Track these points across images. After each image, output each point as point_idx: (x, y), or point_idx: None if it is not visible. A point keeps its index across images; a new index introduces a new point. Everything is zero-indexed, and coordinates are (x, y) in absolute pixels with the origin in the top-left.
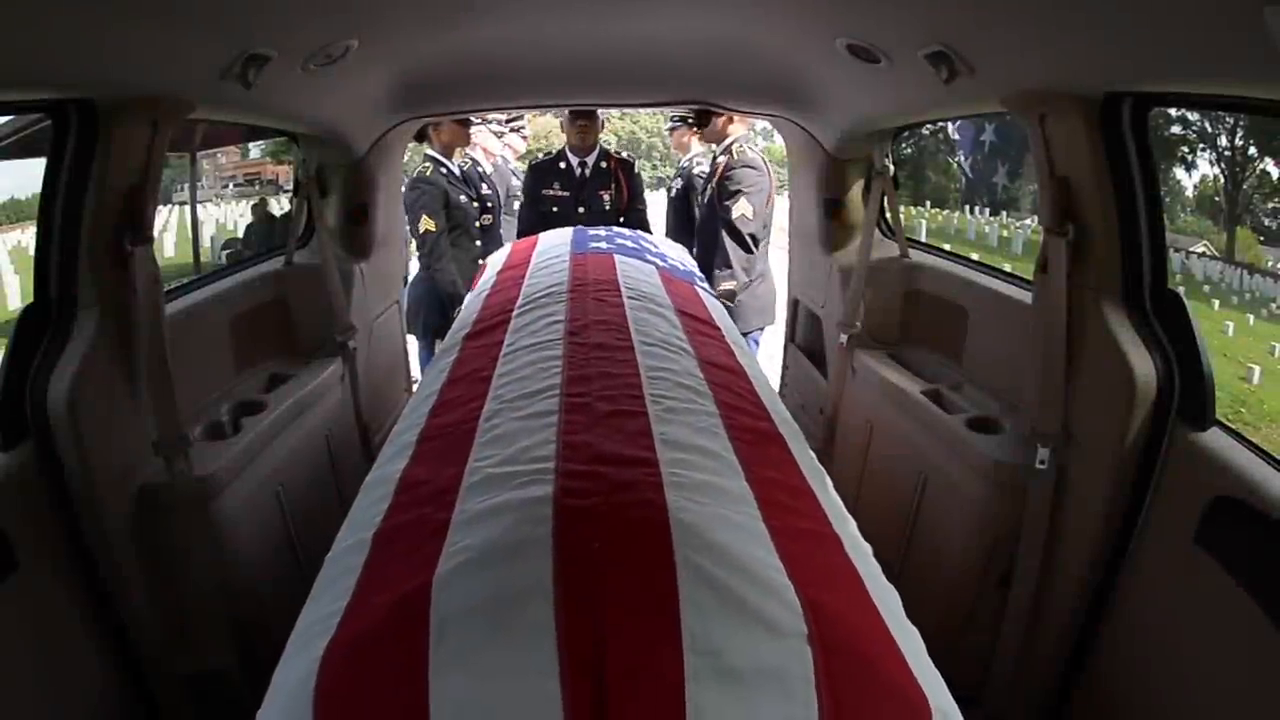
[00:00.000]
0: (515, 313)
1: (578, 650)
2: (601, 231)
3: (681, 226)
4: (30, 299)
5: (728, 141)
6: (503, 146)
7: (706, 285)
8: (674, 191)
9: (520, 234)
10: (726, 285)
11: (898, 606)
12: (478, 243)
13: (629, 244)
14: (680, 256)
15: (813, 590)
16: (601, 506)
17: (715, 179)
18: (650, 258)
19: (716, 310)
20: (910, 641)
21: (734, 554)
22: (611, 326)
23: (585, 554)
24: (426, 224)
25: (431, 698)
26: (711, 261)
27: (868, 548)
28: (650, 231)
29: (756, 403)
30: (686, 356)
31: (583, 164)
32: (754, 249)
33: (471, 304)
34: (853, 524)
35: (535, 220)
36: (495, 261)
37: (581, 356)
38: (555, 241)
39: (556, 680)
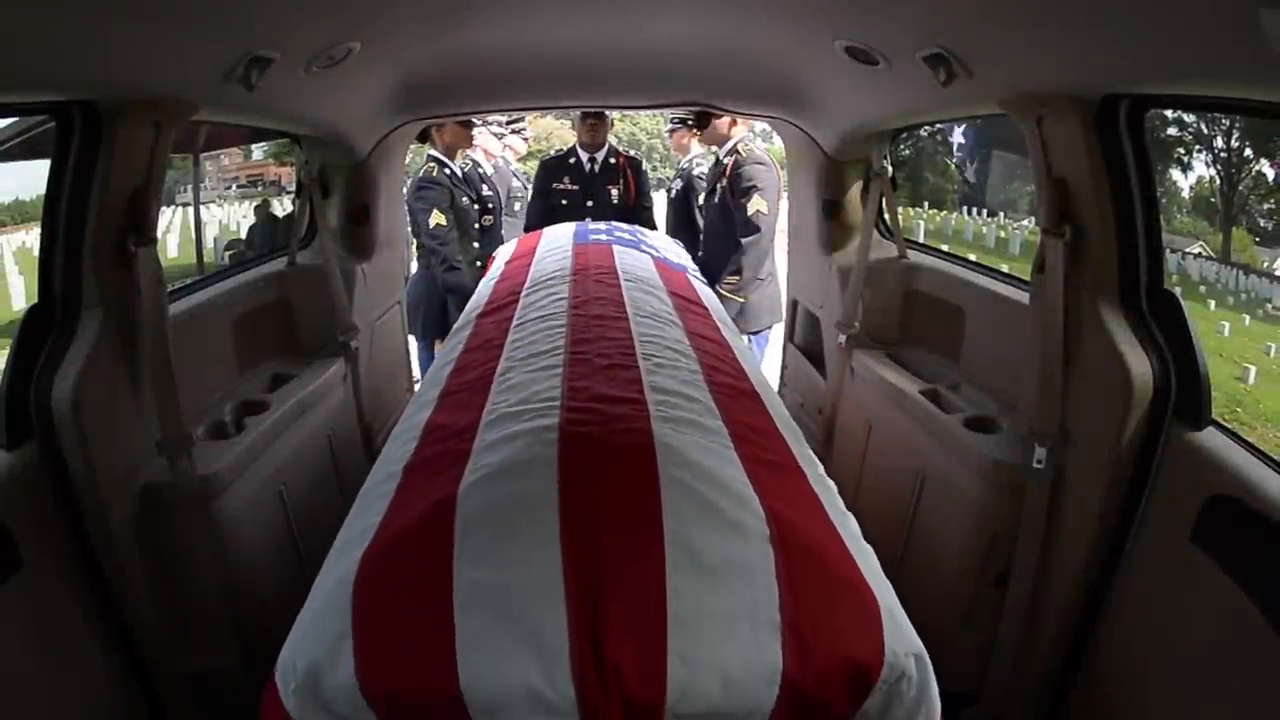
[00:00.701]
0: (524, 293)
1: (577, 546)
2: (601, 226)
3: (681, 226)
4: (35, 299)
5: (733, 142)
6: (503, 148)
7: (699, 274)
8: (674, 192)
9: (529, 226)
10: (732, 279)
11: (855, 528)
12: (476, 244)
13: (626, 236)
14: (674, 249)
15: (776, 504)
16: (598, 433)
17: (725, 178)
18: (645, 249)
19: (705, 294)
20: (864, 555)
21: (709, 471)
22: (609, 302)
23: (584, 470)
24: (438, 219)
25: (455, 584)
26: (719, 259)
27: (832, 484)
28: (656, 228)
29: (736, 367)
30: (675, 328)
31: (592, 160)
32: (767, 246)
33: (483, 289)
34: (820, 466)
35: (545, 212)
36: (504, 253)
37: (582, 325)
38: (559, 234)
39: (559, 570)
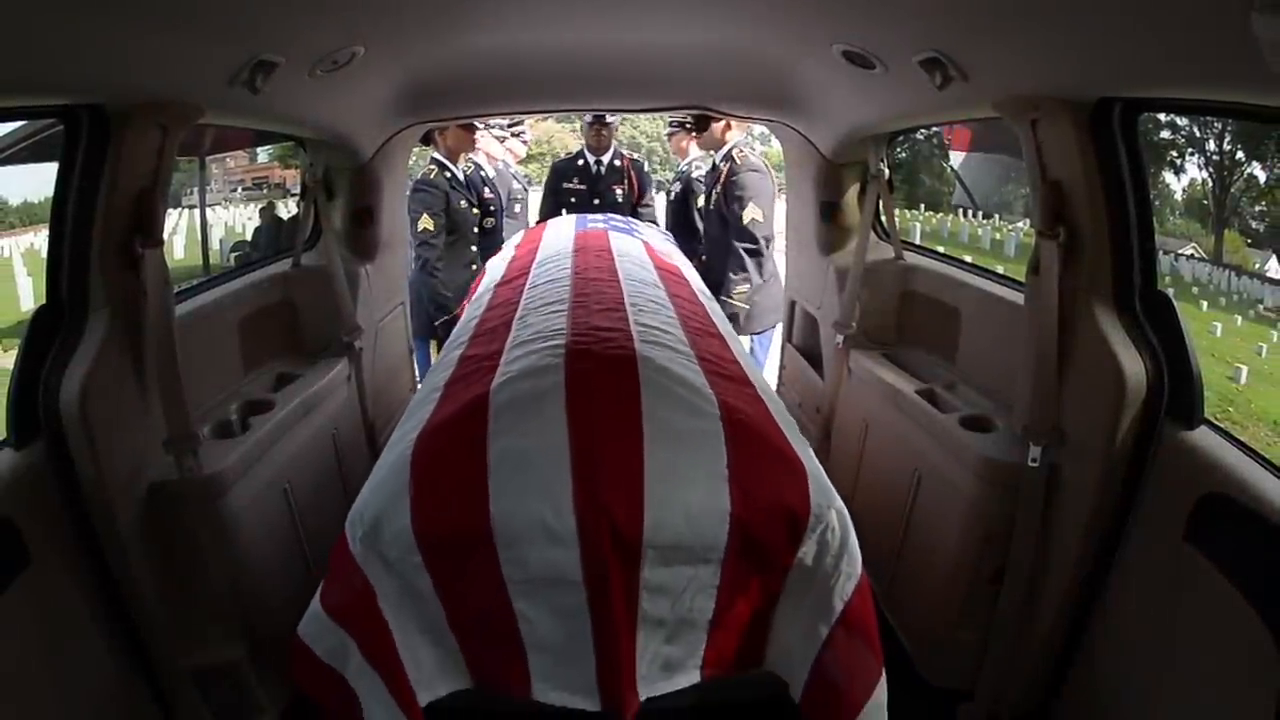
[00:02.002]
0: (534, 267)
1: (579, 424)
2: (599, 216)
3: (680, 227)
4: (42, 300)
5: (727, 147)
6: (504, 151)
7: (682, 257)
8: (673, 195)
9: (540, 220)
10: (741, 288)
11: (794, 423)
12: (474, 248)
13: (620, 225)
14: (661, 236)
15: (725, 397)
16: (595, 349)
17: (719, 184)
18: (636, 234)
19: (688, 270)
20: (795, 435)
21: (676, 374)
22: (605, 270)
23: (583, 372)
24: (425, 223)
25: (489, 452)
26: (721, 266)
27: (780, 402)
28: (656, 224)
29: (706, 318)
30: (658, 289)
31: (599, 162)
32: (765, 251)
33: (495, 267)
34: (772, 390)
35: (555, 210)
36: (513, 240)
37: (583, 285)
38: (562, 222)
39: (565, 439)
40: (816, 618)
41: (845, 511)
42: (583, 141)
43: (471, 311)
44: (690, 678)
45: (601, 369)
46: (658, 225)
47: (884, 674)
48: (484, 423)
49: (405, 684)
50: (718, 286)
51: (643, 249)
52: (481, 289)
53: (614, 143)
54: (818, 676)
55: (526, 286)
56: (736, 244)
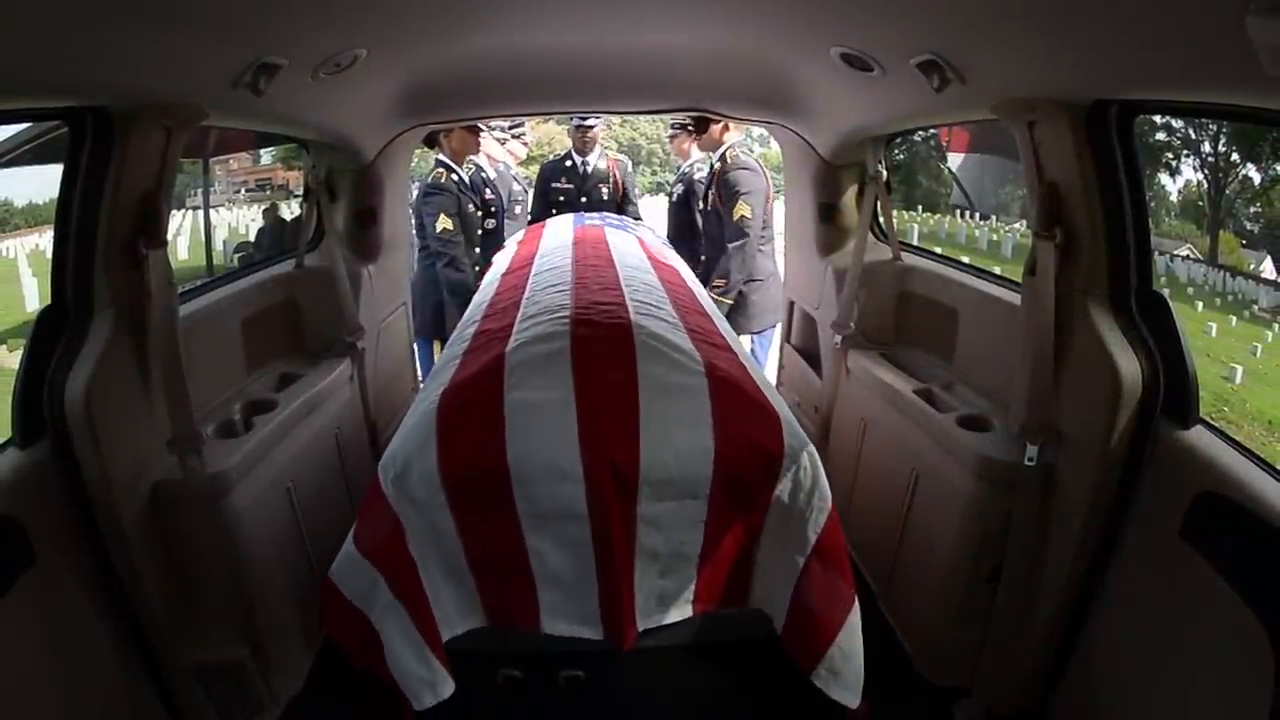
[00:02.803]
0: (537, 258)
1: (583, 380)
2: (596, 215)
3: (682, 229)
4: (48, 301)
5: (723, 149)
6: (505, 152)
7: (672, 250)
8: (675, 196)
9: (533, 222)
10: (727, 284)
11: (770, 383)
12: (478, 249)
13: (616, 222)
14: (653, 233)
15: (709, 358)
16: (595, 319)
17: (714, 184)
18: (631, 231)
19: (677, 261)
20: (772, 393)
21: (666, 339)
22: (603, 259)
23: (586, 337)
24: (444, 224)
25: (505, 402)
26: (720, 265)
27: (761, 369)
28: (641, 220)
29: (693, 299)
30: (651, 275)
31: (585, 163)
32: (755, 243)
33: (501, 261)
34: (750, 356)
35: (545, 209)
36: (515, 237)
37: (583, 270)
38: (561, 220)
39: (572, 392)
40: (793, 550)
41: (815, 453)
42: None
43: (480, 298)
44: (683, 611)
45: (602, 335)
46: (643, 221)
47: (856, 601)
48: (500, 380)
49: (430, 618)
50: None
51: (637, 243)
52: (488, 280)
53: (599, 145)
54: (796, 605)
55: (531, 274)
56: (728, 243)
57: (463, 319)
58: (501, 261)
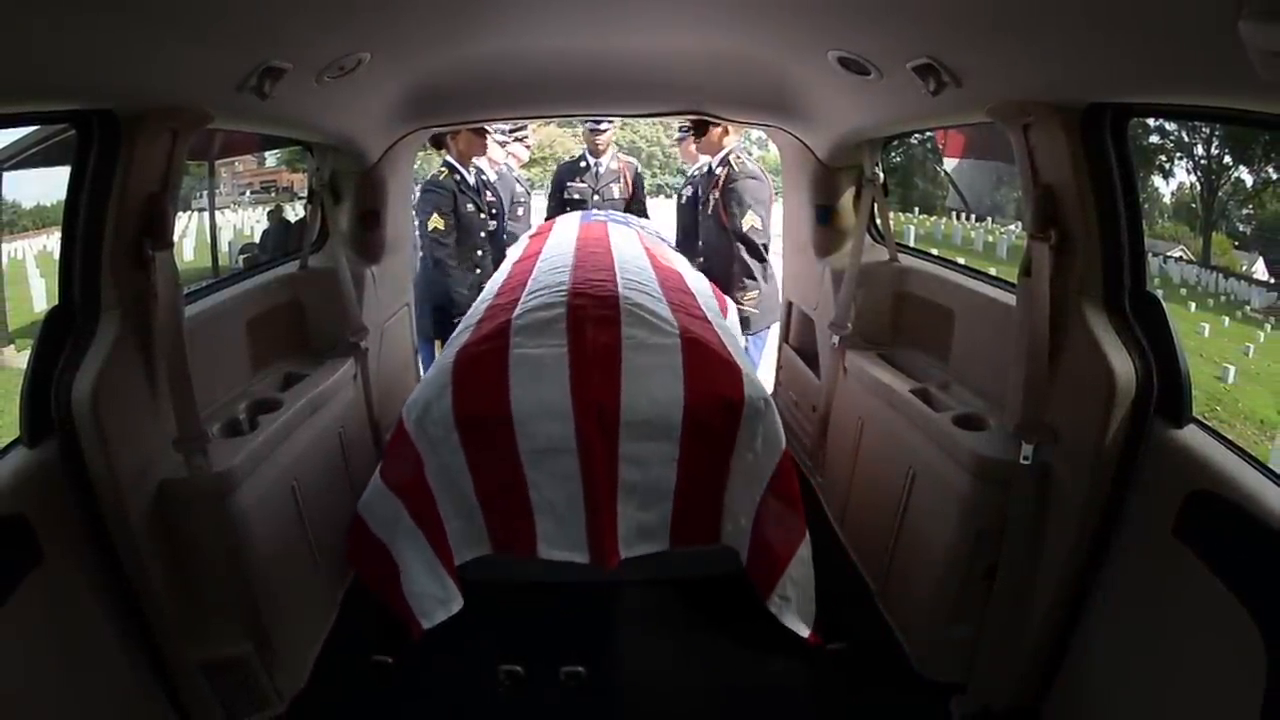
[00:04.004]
0: (544, 249)
1: (575, 339)
2: (601, 213)
3: (689, 232)
4: (55, 301)
5: (724, 153)
6: (507, 155)
7: (670, 243)
8: (683, 199)
9: (548, 217)
10: (751, 294)
11: (740, 346)
12: (479, 251)
13: (619, 219)
14: (652, 229)
15: (684, 324)
16: (589, 290)
17: (717, 190)
18: (631, 226)
19: (670, 251)
20: (739, 354)
21: (647, 307)
22: (602, 247)
23: (580, 305)
24: (434, 223)
25: (510, 357)
26: (719, 270)
27: (731, 333)
28: (647, 217)
29: (680, 280)
30: (643, 260)
31: (598, 164)
32: (765, 257)
33: (513, 253)
34: (726, 326)
35: (560, 207)
36: (528, 234)
37: (583, 258)
38: (569, 217)
39: (565, 349)
40: (753, 487)
41: (771, 402)
42: (584, 145)
43: (493, 282)
44: (661, 543)
45: (593, 304)
46: (649, 218)
47: (807, 535)
48: (507, 340)
49: (445, 543)
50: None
51: (635, 236)
52: (502, 268)
53: (612, 147)
54: (756, 537)
55: (539, 261)
56: (739, 249)
57: (479, 299)
58: (513, 254)
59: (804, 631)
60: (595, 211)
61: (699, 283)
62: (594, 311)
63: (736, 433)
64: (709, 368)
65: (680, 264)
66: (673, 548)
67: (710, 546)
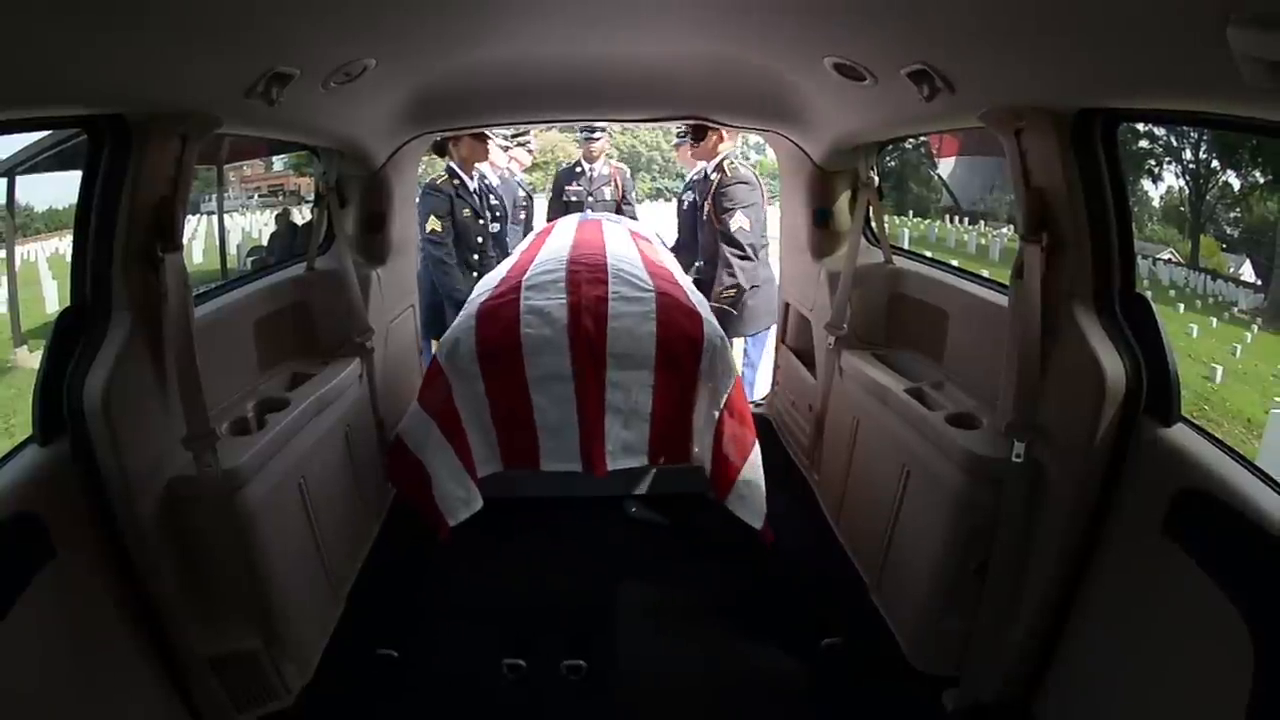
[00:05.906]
0: (548, 239)
1: (573, 293)
2: (597, 213)
3: (690, 235)
4: (67, 303)
5: (719, 158)
6: (509, 160)
7: (661, 239)
8: (684, 205)
9: (549, 218)
10: (729, 292)
11: (705, 303)
12: (475, 255)
13: (612, 218)
14: (641, 226)
15: (659, 284)
16: (583, 260)
17: (710, 194)
18: (624, 224)
19: (655, 240)
20: (703, 306)
21: (629, 272)
22: (595, 235)
23: (576, 269)
24: (432, 225)
25: (521, 307)
26: (717, 272)
27: (700, 296)
28: (636, 218)
29: (659, 257)
30: (630, 244)
31: (592, 169)
32: (754, 257)
33: (521, 245)
34: (696, 291)
35: (560, 209)
36: (535, 231)
37: (579, 245)
38: (570, 217)
39: (565, 300)
40: (712, 407)
41: (726, 339)
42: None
43: (506, 262)
44: (641, 458)
45: (587, 269)
46: (637, 219)
47: (756, 444)
48: (519, 294)
49: (468, 453)
50: (711, 293)
51: (625, 230)
52: (511, 255)
53: (604, 153)
54: (716, 448)
55: (543, 246)
56: (724, 248)
57: (494, 271)
58: (522, 245)
59: (757, 524)
60: (590, 212)
61: (673, 261)
62: (588, 275)
63: (699, 364)
64: (677, 313)
65: (659, 249)
66: (651, 463)
67: (683, 465)
